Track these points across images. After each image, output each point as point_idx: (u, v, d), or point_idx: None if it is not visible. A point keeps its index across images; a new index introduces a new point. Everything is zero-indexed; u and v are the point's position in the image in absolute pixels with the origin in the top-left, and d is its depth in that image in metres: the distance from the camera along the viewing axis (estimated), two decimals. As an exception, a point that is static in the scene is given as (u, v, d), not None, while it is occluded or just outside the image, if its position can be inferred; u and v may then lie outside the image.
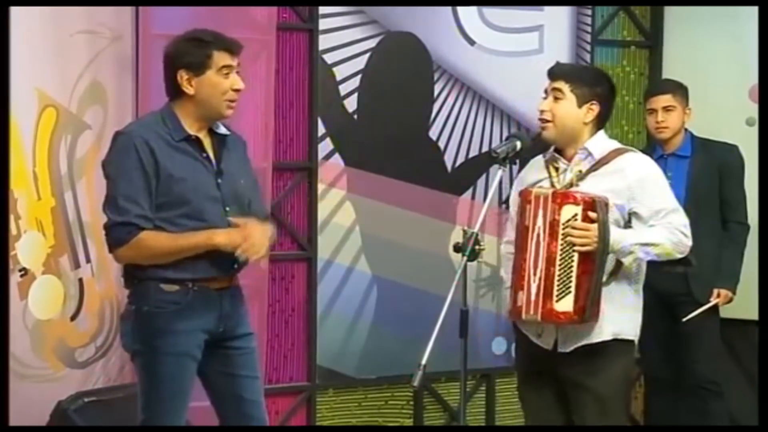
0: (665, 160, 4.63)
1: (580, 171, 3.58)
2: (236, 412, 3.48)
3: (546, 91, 3.63)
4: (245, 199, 3.48)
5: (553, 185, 3.59)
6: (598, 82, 3.64)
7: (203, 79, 3.35)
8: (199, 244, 3.33)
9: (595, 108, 3.59)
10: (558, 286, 3.46)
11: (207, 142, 3.43)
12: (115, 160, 3.35)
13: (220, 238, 3.32)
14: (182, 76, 3.35)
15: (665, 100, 4.65)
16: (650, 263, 3.68)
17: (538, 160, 3.71)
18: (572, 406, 3.64)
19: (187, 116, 3.39)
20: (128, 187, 3.30)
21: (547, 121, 3.59)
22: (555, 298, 3.46)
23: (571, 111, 3.58)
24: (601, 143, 3.63)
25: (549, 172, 3.64)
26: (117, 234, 3.31)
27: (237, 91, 3.39)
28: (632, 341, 3.65)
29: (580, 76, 3.64)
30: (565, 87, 3.58)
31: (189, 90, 3.35)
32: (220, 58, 3.36)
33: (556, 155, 3.64)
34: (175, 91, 3.39)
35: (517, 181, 3.79)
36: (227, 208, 3.41)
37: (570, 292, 3.45)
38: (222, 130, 3.47)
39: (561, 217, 3.47)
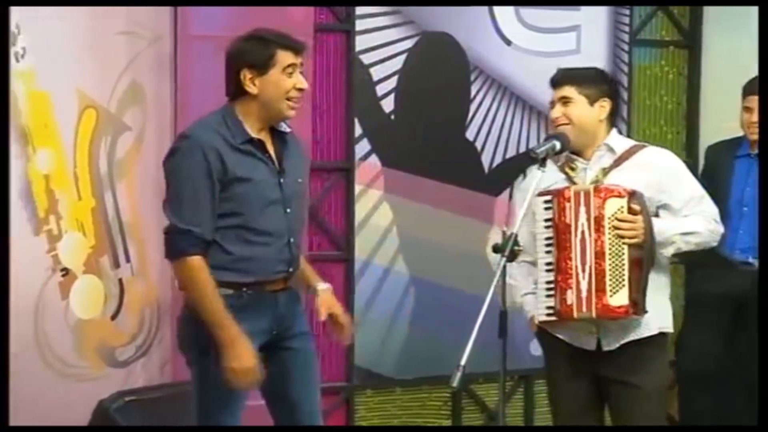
0: (751, 159, 4.57)
1: (603, 168, 3.56)
2: (288, 414, 3.45)
3: (552, 102, 3.61)
4: (303, 199, 3.47)
5: (575, 184, 3.56)
6: (601, 79, 3.64)
7: (267, 78, 3.29)
8: (222, 334, 3.22)
9: (606, 105, 3.58)
10: (611, 280, 3.43)
11: (268, 142, 3.37)
12: (181, 164, 3.26)
13: (235, 355, 3.20)
14: (245, 75, 3.29)
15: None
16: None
17: (548, 163, 3.64)
18: (614, 404, 3.60)
19: (249, 116, 3.32)
20: (194, 195, 3.23)
21: (565, 125, 3.57)
22: (609, 293, 3.43)
23: (585, 111, 3.56)
24: (620, 139, 3.63)
25: (566, 173, 3.61)
26: (179, 242, 3.24)
27: (300, 90, 3.33)
28: (668, 334, 3.64)
29: (585, 77, 3.62)
30: (571, 91, 3.56)
31: (252, 89, 3.30)
32: (284, 57, 3.30)
33: (573, 156, 3.61)
34: (237, 91, 3.32)
35: (520, 190, 3.74)
36: (288, 209, 3.36)
37: (624, 285, 3.42)
38: (283, 127, 3.41)
39: (606, 210, 3.44)
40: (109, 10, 4.13)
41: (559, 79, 3.61)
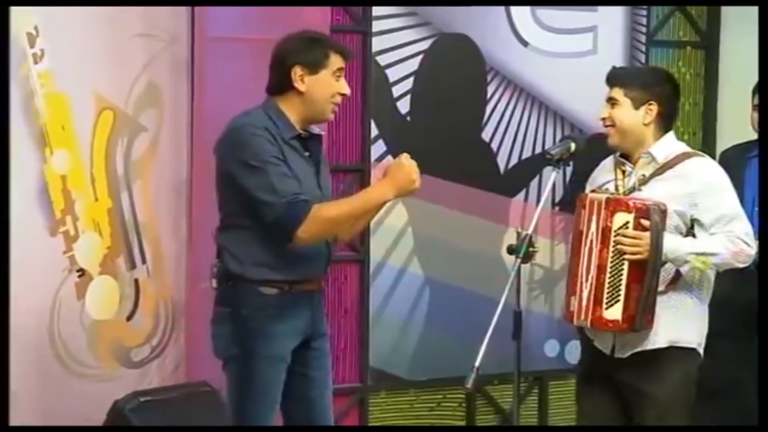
0: None
1: (644, 175, 3.54)
2: (304, 412, 3.48)
3: (606, 100, 3.63)
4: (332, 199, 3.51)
5: (617, 188, 3.56)
6: (654, 82, 3.60)
7: (317, 78, 3.34)
8: (376, 204, 3.38)
9: (654, 108, 3.54)
10: (607, 293, 3.43)
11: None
12: (250, 150, 3.26)
13: (389, 193, 3.35)
14: (296, 72, 3.33)
15: None
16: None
17: (609, 161, 3.68)
18: (634, 412, 3.60)
19: (291, 113, 3.36)
20: (277, 170, 3.25)
21: (610, 127, 3.57)
22: (604, 306, 3.43)
23: (627, 114, 3.54)
24: (666, 147, 3.57)
25: (616, 175, 3.61)
26: (290, 214, 3.23)
27: (343, 95, 3.40)
28: (693, 349, 3.57)
29: (633, 79, 3.60)
30: (618, 93, 3.56)
31: (301, 86, 3.34)
32: (336, 60, 3.37)
33: (622, 159, 3.61)
34: (283, 87, 3.36)
35: (589, 182, 3.76)
36: None
37: (619, 300, 3.42)
38: (316, 129, 3.46)
39: (613, 224, 3.43)
40: (127, 12, 4.14)
41: (610, 79, 3.61)
